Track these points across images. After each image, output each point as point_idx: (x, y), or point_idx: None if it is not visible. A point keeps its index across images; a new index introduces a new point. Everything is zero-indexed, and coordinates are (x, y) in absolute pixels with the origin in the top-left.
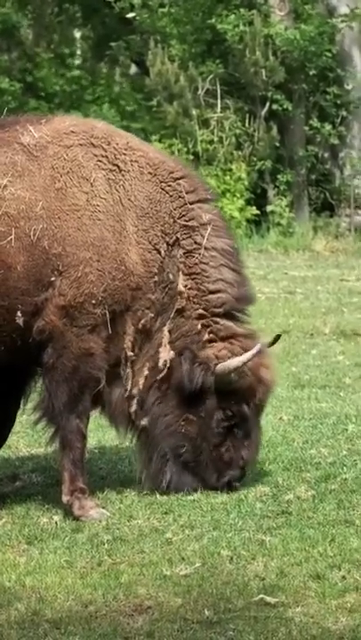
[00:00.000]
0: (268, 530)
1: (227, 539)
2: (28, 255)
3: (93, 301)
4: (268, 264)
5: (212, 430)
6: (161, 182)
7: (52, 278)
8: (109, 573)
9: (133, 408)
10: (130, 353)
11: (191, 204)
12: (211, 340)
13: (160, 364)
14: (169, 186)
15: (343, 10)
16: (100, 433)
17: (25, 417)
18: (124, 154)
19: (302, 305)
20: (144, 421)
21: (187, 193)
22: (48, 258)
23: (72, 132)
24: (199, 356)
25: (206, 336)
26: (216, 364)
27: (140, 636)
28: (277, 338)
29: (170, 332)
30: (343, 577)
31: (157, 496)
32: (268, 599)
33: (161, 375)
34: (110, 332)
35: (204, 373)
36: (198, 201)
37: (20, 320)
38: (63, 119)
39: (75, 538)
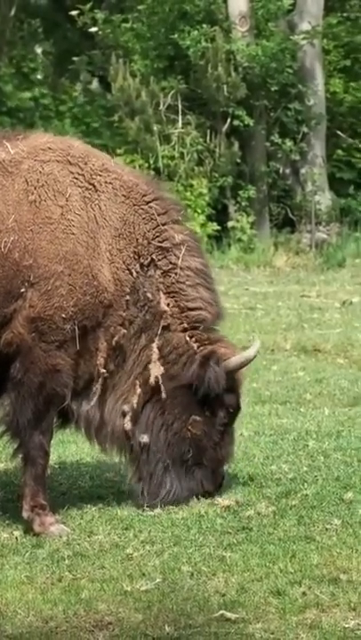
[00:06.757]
0: (228, 546)
1: (187, 554)
2: None
3: (63, 315)
4: (228, 280)
5: (215, 428)
6: (134, 205)
7: (22, 290)
8: (70, 589)
9: (128, 426)
10: (102, 370)
11: (164, 225)
12: (200, 346)
13: (151, 380)
14: (141, 208)
15: (305, 27)
16: (61, 448)
17: None
18: (100, 175)
19: (263, 321)
20: (145, 438)
21: (159, 215)
22: (19, 269)
23: (49, 148)
24: (220, 356)
25: (195, 344)
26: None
27: None
28: None
29: (160, 348)
30: (304, 593)
31: (118, 511)
32: (229, 615)
33: (157, 390)
34: (80, 348)
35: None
36: (170, 222)
37: None
38: (41, 136)
39: (35, 553)
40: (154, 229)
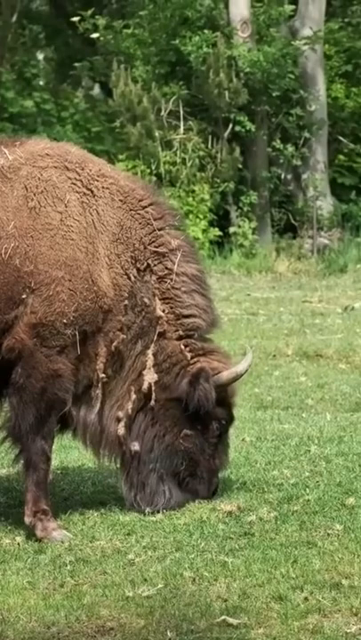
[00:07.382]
0: (230, 551)
1: (189, 560)
2: None
3: (65, 321)
4: (230, 285)
5: (208, 441)
6: (130, 210)
7: (24, 296)
8: (72, 595)
9: (122, 431)
10: (102, 375)
11: (160, 230)
12: (193, 357)
13: (144, 386)
14: (138, 213)
15: (306, 32)
16: (63, 454)
17: None
18: (97, 180)
19: (265, 326)
20: (135, 446)
21: (155, 220)
22: (20, 276)
23: (47, 154)
24: (209, 372)
25: (189, 355)
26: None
27: None
28: None
29: (155, 355)
30: (305, 598)
31: (120, 517)
32: (231, 620)
33: (150, 397)
34: (80, 353)
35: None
36: (166, 227)
37: None
38: (37, 142)
39: (37, 559)
40: (150, 234)
